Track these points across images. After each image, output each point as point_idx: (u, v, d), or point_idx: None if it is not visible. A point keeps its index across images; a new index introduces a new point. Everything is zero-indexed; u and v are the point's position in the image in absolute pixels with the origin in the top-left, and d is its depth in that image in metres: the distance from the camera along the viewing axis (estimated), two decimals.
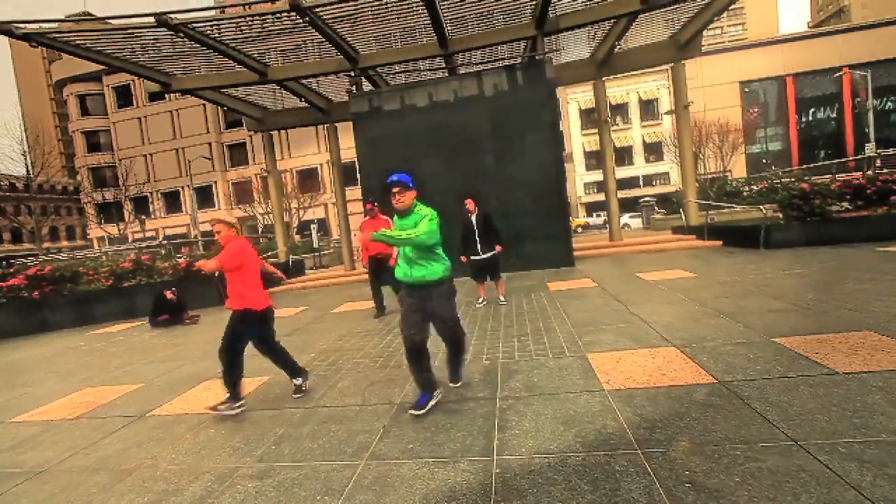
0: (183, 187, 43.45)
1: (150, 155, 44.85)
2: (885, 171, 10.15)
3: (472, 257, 6.52)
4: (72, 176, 58.98)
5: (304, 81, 12.16)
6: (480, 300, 6.82)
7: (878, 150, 21.34)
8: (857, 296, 4.88)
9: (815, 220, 8.97)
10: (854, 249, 7.83)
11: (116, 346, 7.35)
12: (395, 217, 3.33)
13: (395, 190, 3.18)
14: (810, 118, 42.09)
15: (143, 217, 38.53)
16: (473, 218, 6.45)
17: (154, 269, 10.84)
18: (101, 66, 11.13)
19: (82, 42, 9.29)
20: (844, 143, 39.96)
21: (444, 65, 11.98)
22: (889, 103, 40.54)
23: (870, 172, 10.81)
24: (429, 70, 12.72)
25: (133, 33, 9.31)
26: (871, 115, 29.12)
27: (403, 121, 10.47)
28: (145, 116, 44.83)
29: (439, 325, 3.32)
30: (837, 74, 33.41)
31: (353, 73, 10.85)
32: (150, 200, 43.90)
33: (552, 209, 9.94)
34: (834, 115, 41.72)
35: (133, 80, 43.33)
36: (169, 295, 8.78)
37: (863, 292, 5.02)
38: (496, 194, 9.52)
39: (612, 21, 10.56)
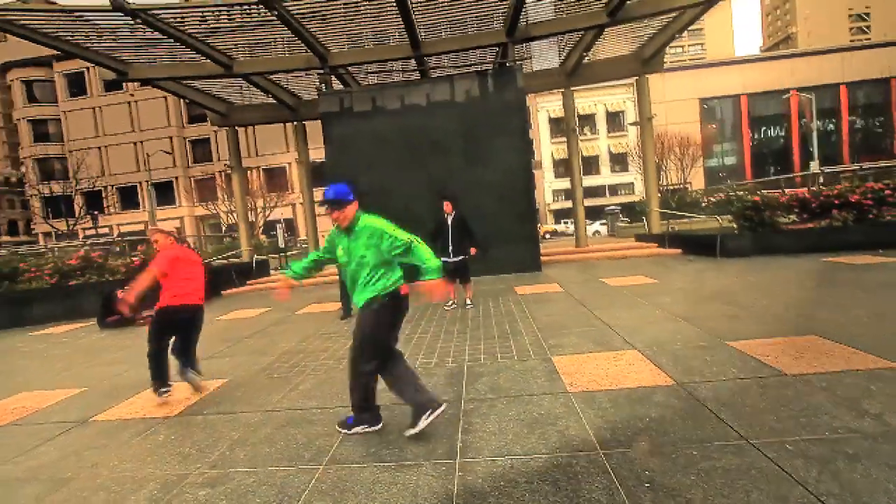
0: (141, 183, 41.41)
1: (105, 147, 42.52)
2: (826, 187, 10.89)
3: (444, 259, 6.53)
4: (15, 167, 55.05)
5: (271, 77, 11.85)
6: (450, 302, 6.81)
7: (822, 168, 22.87)
8: (803, 302, 5.17)
9: (765, 231, 9.48)
10: (800, 259, 8.32)
11: (59, 347, 6.86)
12: (342, 236, 2.84)
13: (333, 207, 2.73)
14: (762, 135, 44.74)
15: (96, 213, 36.36)
16: (449, 220, 6.45)
17: (105, 267, 10.22)
18: (51, 51, 10.45)
19: (28, 23, 8.70)
20: (792, 160, 42.66)
21: (415, 68, 11.97)
22: (830, 125, 43.64)
23: (814, 188, 11.58)
24: (400, 72, 12.68)
25: (86, 17, 8.80)
26: (815, 135, 31.22)
27: (373, 122, 10.37)
28: (100, 107, 42.49)
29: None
30: (786, 96, 35.64)
31: (322, 71, 10.65)
32: (104, 195, 41.58)
33: (521, 214, 10.07)
34: (783, 133, 44.52)
35: (87, 68, 41.02)
36: (120, 294, 8.27)
37: (808, 299, 5.32)
38: (465, 198, 9.51)
39: (581, 33, 10.86)
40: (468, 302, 6.71)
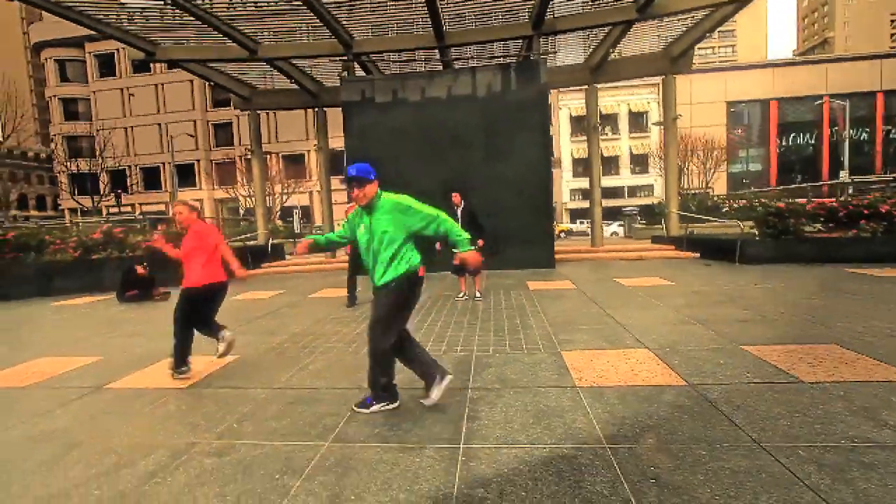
0: (164, 164, 42.28)
1: (131, 128, 43.49)
2: (856, 197, 10.55)
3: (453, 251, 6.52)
4: (45, 143, 56.62)
5: (295, 62, 11.91)
6: (462, 294, 6.81)
7: (852, 177, 22.14)
8: (824, 311, 5.02)
9: (788, 239, 9.22)
10: (823, 268, 8.08)
11: (79, 318, 7.07)
12: (363, 215, 2.89)
13: (353, 185, 2.77)
14: (790, 142, 43.45)
15: (120, 191, 37.22)
16: (458, 212, 6.44)
17: (126, 243, 10.47)
18: (83, 32, 10.65)
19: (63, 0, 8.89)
20: (820, 169, 41.39)
21: (439, 58, 11.90)
22: (864, 134, 42.14)
23: (843, 197, 11.22)
24: (423, 61, 12.62)
25: None
26: (846, 144, 30.17)
27: (394, 110, 10.35)
28: (128, 88, 43.40)
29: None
30: (818, 102, 34.49)
31: (346, 58, 10.67)
32: (129, 175, 42.55)
33: (537, 210, 9.98)
34: (812, 141, 43.15)
35: (117, 49, 41.90)
36: (140, 270, 8.49)
37: (829, 308, 5.17)
38: (483, 191, 9.48)
39: (608, 28, 10.65)
40: (477, 294, 6.69)
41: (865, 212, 9.02)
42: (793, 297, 5.92)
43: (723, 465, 2.14)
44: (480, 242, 6.55)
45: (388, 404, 2.96)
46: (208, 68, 11.97)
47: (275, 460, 2.41)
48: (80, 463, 2.50)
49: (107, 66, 43.74)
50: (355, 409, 2.97)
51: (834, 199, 11.58)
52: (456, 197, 6.45)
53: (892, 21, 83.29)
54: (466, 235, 2.87)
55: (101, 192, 37.65)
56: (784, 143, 43.42)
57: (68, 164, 38.75)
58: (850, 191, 17.67)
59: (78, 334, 5.82)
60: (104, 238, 10.32)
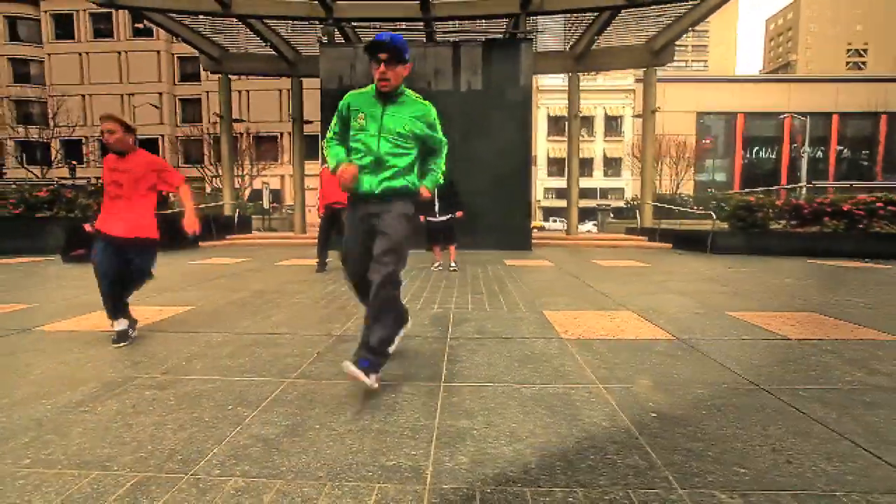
0: None
1: (90, 96, 40.72)
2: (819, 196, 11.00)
3: (429, 219, 6.26)
4: None
5: (271, 24, 11.30)
6: (436, 264, 6.56)
7: (813, 181, 23.26)
8: (799, 289, 5.07)
9: (756, 232, 9.45)
10: (788, 260, 8.30)
11: (14, 273, 6.39)
12: (372, 102, 2.22)
13: (382, 57, 2.06)
14: (753, 155, 45.45)
15: (74, 163, 34.72)
16: None
17: (76, 203, 9.62)
18: None
19: None
20: (779, 182, 43.43)
21: (422, 30, 11.55)
22: (819, 152, 44.53)
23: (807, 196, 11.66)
24: (406, 31, 12.22)
25: None
26: (804, 160, 31.74)
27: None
28: (88, 53, 40.63)
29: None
30: (782, 117, 36.12)
31: (326, 22, 10.18)
32: (85, 144, 39.88)
33: (515, 191, 9.84)
34: (774, 155, 45.29)
35: (77, 11, 39.18)
36: (88, 228, 7.76)
37: (803, 287, 5.23)
38: (461, 168, 9.24)
39: (593, 16, 10.61)
40: (452, 265, 6.45)
41: (829, 209, 9.35)
42: (766, 278, 5.99)
43: (724, 402, 1.99)
44: (459, 214, 6.37)
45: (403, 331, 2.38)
46: (176, 22, 11.18)
47: (227, 393, 2.10)
48: None
49: (64, 27, 40.76)
50: (368, 382, 2.07)
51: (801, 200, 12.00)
52: None
53: (848, 50, 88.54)
54: (440, 176, 2.45)
55: (52, 161, 35.14)
56: (748, 156, 45.37)
57: (16, 128, 35.93)
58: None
59: (10, 285, 5.23)
60: (51, 196, 9.46)
